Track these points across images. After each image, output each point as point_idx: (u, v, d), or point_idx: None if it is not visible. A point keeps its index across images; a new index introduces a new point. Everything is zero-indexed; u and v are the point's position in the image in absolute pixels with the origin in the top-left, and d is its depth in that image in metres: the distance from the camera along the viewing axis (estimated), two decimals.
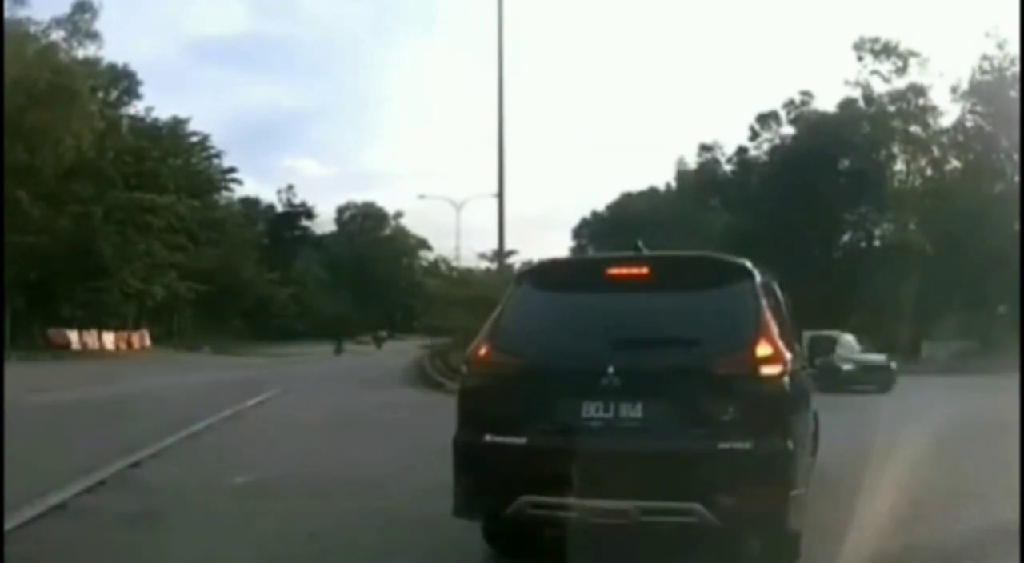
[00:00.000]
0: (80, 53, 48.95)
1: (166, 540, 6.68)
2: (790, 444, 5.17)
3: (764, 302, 5.56)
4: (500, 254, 29.14)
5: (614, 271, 5.94)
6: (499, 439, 5.33)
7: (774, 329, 5.44)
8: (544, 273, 6.46)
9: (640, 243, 6.34)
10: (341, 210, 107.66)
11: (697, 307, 5.60)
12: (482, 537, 6.09)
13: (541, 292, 5.99)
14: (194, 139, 69.35)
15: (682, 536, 5.38)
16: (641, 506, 5.04)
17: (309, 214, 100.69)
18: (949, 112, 50.64)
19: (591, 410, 5.20)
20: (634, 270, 5.85)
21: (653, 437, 5.13)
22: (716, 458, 4.99)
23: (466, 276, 45.57)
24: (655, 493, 5.04)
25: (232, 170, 76.82)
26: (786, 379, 5.26)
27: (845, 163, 55.38)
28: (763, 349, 5.22)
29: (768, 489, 5.04)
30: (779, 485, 5.08)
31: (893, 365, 25.68)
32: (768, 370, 5.18)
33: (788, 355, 5.38)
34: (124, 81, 59.16)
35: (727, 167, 67.26)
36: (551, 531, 5.50)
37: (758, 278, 5.72)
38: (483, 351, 5.66)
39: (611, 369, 5.19)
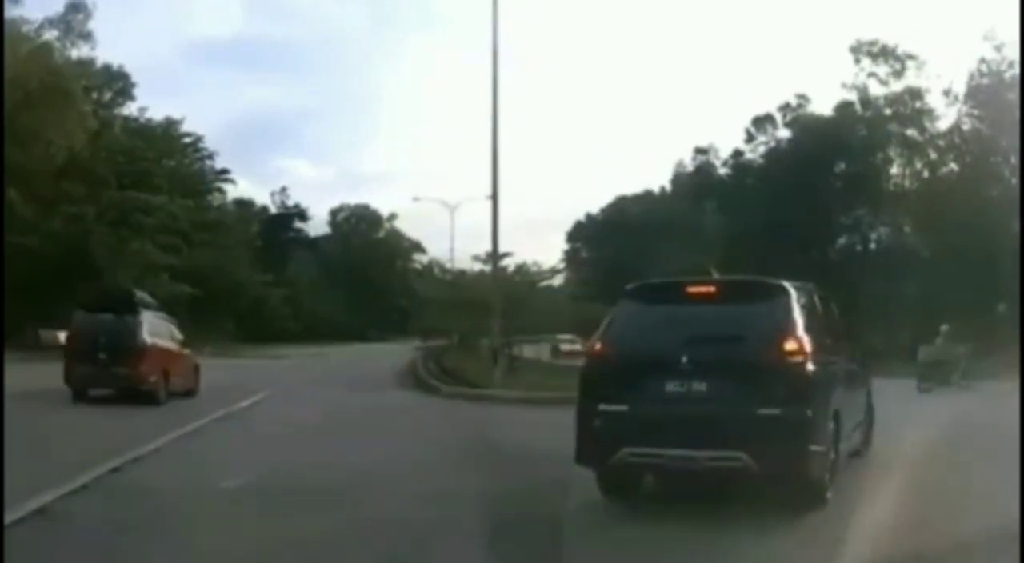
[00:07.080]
0: (74, 53, 48.60)
1: (149, 546, 6.50)
2: (810, 412, 7.19)
3: (796, 311, 7.66)
4: (494, 256, 28.80)
5: (691, 290, 8.22)
6: (608, 407, 7.52)
7: (800, 329, 7.50)
8: (642, 290, 8.46)
9: (712, 269, 8.76)
10: (335, 212, 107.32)
11: (748, 315, 7.73)
12: (490, 537, 6.46)
13: (639, 304, 8.26)
14: (187, 140, 68.95)
15: (731, 481, 7.27)
16: (705, 454, 7.18)
17: (303, 216, 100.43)
18: (946, 115, 50.51)
19: (672, 386, 7.38)
20: (705, 289, 8.18)
21: (714, 405, 7.22)
22: (756, 421, 7.02)
23: (459, 279, 45.29)
24: (715, 444, 7.14)
25: (225, 171, 76.46)
26: (808, 365, 7.28)
27: (841, 166, 55.31)
28: (790, 344, 7.31)
29: (793, 444, 7.03)
30: (802, 441, 7.08)
31: None
32: (793, 359, 7.26)
33: (810, 348, 7.37)
34: (118, 82, 58.80)
35: (722, 170, 67.16)
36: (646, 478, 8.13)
37: (793, 294, 7.84)
38: (598, 346, 7.93)
39: (685, 358, 7.31)
